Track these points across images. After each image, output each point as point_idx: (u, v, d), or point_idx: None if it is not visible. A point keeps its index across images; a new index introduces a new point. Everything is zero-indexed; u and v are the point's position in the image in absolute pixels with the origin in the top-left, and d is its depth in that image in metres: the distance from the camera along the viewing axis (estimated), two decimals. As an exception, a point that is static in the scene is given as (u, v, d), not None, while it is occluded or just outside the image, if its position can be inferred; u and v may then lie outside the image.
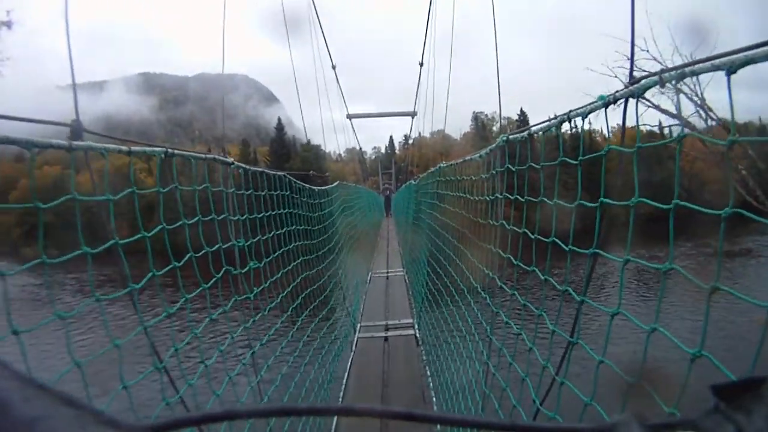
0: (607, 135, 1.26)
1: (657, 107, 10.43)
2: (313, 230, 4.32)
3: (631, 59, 1.22)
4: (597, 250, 1.29)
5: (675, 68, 0.94)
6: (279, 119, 48.07)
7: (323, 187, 5.48)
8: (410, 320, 5.75)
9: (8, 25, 10.91)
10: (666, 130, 12.74)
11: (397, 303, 6.82)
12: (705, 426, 0.32)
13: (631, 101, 1.11)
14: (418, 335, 5.25)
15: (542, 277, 1.61)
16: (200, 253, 1.92)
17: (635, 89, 1.06)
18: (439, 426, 2.61)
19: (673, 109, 10.32)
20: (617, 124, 1.22)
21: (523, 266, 1.82)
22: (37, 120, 1.24)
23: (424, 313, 5.19)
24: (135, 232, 1.53)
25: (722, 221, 0.86)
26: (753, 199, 10.03)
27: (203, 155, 1.99)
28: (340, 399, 4.17)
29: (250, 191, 2.50)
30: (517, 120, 41.28)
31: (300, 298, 3.36)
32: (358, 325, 5.67)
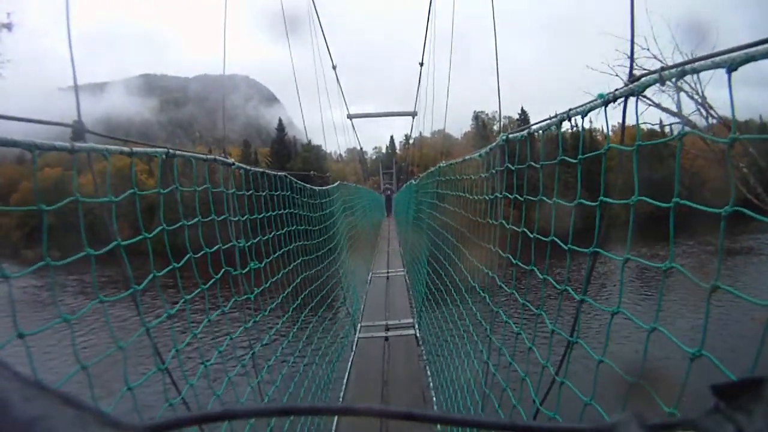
0: (607, 133, 1.25)
1: (657, 105, 10.44)
2: (314, 230, 4.31)
3: (631, 57, 1.22)
4: (597, 249, 1.28)
5: (675, 66, 0.94)
6: (280, 120, 48.14)
7: (324, 188, 5.48)
8: (410, 320, 5.75)
9: (9, 27, 10.93)
10: (666, 128, 12.74)
11: (398, 303, 6.81)
12: (705, 426, 0.32)
13: (631, 99, 1.10)
14: (418, 335, 5.24)
15: (541, 277, 1.61)
16: (199, 254, 1.92)
17: (635, 87, 1.06)
18: (439, 426, 2.61)
19: (673, 107, 10.33)
20: (617, 123, 1.22)
21: (522, 266, 1.81)
22: (39, 120, 1.24)
23: (425, 313, 5.19)
24: (136, 233, 1.53)
25: (723, 219, 0.86)
26: (754, 197, 10.02)
27: (204, 156, 1.99)
28: (341, 399, 4.17)
29: (250, 192, 2.50)
30: (517, 119, 41.32)
31: (300, 298, 3.35)
32: (359, 325, 5.67)
